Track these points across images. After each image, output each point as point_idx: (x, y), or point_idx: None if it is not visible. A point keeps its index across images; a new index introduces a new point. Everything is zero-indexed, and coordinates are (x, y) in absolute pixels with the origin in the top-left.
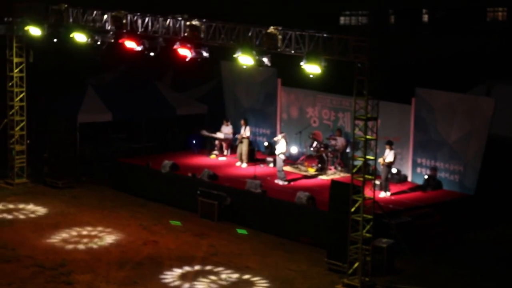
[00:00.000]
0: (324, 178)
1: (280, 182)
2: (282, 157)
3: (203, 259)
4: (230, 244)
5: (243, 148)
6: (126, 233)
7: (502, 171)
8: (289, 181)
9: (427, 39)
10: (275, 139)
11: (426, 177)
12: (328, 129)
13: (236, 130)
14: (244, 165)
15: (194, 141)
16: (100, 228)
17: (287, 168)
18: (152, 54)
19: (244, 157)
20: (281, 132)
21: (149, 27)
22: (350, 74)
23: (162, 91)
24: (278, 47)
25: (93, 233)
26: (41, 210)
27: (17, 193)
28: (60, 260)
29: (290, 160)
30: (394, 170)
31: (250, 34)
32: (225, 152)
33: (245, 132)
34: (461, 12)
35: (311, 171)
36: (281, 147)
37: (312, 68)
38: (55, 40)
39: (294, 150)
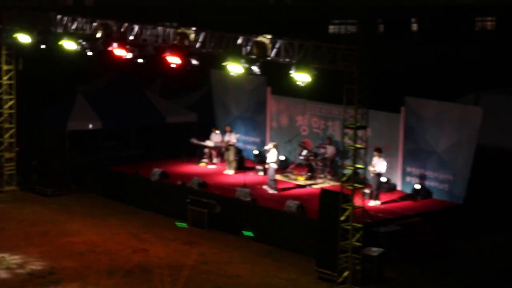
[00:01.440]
0: (314, 186)
1: (270, 190)
2: (274, 166)
3: (193, 268)
4: (220, 252)
5: (230, 154)
6: (116, 241)
7: (490, 180)
8: (280, 190)
9: (416, 48)
10: (265, 147)
11: (418, 187)
12: (318, 137)
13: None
14: (231, 172)
15: None
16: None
17: (277, 177)
18: (141, 61)
19: (232, 163)
20: (271, 141)
21: (139, 35)
22: (339, 83)
23: (151, 99)
24: (267, 56)
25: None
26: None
27: (6, 200)
28: (50, 268)
29: (280, 168)
30: (384, 179)
31: (239, 42)
32: (214, 160)
33: (231, 138)
34: (450, 21)
35: (301, 179)
36: (272, 156)
37: (301, 77)
38: (43, 47)
39: (281, 158)
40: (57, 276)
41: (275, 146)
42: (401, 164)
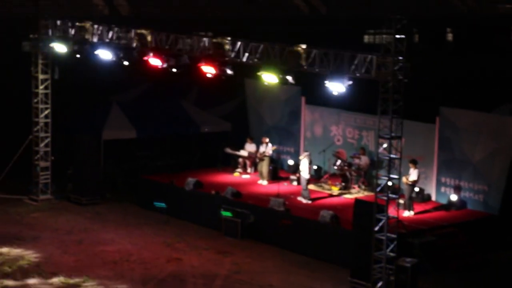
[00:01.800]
0: (348, 196)
1: (304, 200)
2: (306, 176)
3: (226, 277)
4: (253, 262)
5: (264, 166)
6: (150, 250)
7: None
8: (313, 199)
9: (451, 58)
10: (300, 157)
11: (454, 197)
12: (352, 147)
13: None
14: (265, 182)
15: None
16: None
17: (311, 187)
18: (176, 71)
19: (265, 175)
20: (304, 151)
21: (174, 45)
22: (374, 93)
23: (186, 109)
24: (302, 65)
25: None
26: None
27: (41, 209)
28: (84, 276)
29: (314, 178)
30: (416, 189)
31: (274, 52)
32: (248, 170)
33: (267, 150)
34: (485, 31)
35: (335, 189)
36: (303, 166)
37: (335, 87)
38: (78, 56)
39: (313, 168)
40: (91, 285)
41: (307, 156)
42: (436, 174)
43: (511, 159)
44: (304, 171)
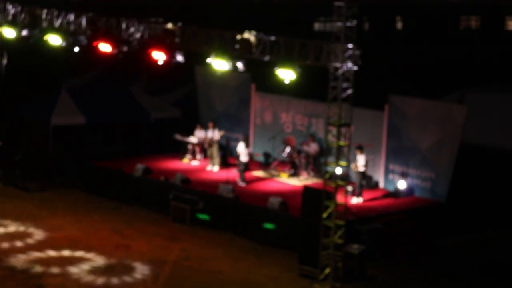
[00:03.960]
0: (296, 183)
1: (240, 183)
2: (242, 159)
3: (175, 263)
4: (202, 249)
5: (214, 151)
6: (99, 236)
7: (473, 179)
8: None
9: (401, 46)
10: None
11: (404, 185)
12: (302, 134)
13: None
14: (216, 168)
15: None
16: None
17: (260, 173)
18: (126, 57)
19: (216, 159)
20: (243, 135)
21: (124, 31)
22: (324, 80)
23: (136, 95)
24: (252, 53)
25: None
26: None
27: None
28: (31, 263)
29: (263, 165)
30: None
31: (225, 39)
32: (198, 156)
33: (214, 135)
34: (435, 20)
35: (284, 176)
36: (240, 149)
37: (286, 74)
38: (28, 41)
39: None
40: (39, 271)
41: (244, 140)
42: (384, 161)
43: (459, 147)
44: (242, 155)
